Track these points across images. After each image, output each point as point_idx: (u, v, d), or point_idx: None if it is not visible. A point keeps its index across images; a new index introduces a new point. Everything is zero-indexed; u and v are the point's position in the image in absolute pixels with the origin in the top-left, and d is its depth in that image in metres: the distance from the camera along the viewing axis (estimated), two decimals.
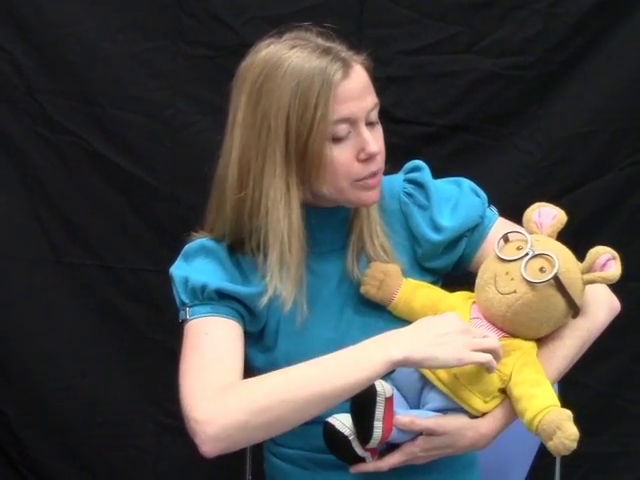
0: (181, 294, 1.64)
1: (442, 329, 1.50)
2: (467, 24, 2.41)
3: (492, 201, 1.75)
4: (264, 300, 1.60)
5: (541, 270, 1.54)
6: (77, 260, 2.48)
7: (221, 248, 1.65)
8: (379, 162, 1.61)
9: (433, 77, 2.43)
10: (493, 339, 1.53)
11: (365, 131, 1.58)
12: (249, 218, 1.61)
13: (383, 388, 1.52)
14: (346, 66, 1.57)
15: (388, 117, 2.35)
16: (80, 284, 2.49)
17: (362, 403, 1.52)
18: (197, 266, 1.64)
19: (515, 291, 1.55)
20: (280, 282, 1.60)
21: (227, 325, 1.61)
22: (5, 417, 2.51)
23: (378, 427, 1.51)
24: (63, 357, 2.50)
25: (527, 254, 1.55)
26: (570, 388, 2.22)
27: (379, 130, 1.63)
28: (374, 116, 1.61)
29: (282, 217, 1.57)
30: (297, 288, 1.61)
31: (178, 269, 1.66)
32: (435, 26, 2.41)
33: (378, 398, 1.51)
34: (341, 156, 1.57)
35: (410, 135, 2.43)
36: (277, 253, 1.59)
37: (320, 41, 1.61)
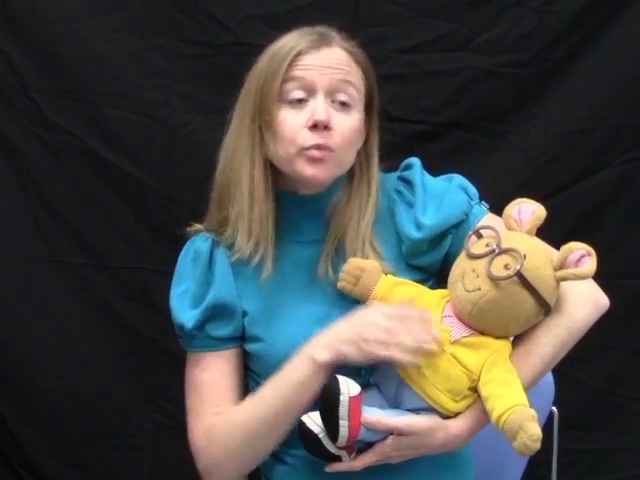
0: (174, 325, 1.71)
1: (370, 323, 1.53)
2: (462, 22, 2.41)
3: (488, 199, 1.74)
4: (234, 257, 1.66)
5: (506, 267, 1.52)
6: (73, 259, 2.47)
7: (206, 247, 1.69)
8: (331, 138, 1.61)
9: (428, 75, 2.43)
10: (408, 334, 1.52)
11: (319, 100, 1.61)
12: (227, 179, 1.67)
13: (347, 387, 1.53)
14: (319, 40, 1.63)
15: (383, 115, 2.36)
16: (76, 283, 2.48)
17: (327, 402, 1.52)
18: (182, 289, 1.69)
19: (480, 288, 1.53)
20: (240, 235, 1.65)
21: (218, 360, 1.67)
22: (1, 416, 2.51)
23: (344, 426, 1.52)
24: (60, 356, 2.50)
25: (494, 250, 1.53)
26: (567, 385, 2.22)
27: (349, 116, 1.64)
28: (344, 97, 1.63)
29: (246, 173, 1.63)
30: (260, 246, 1.65)
31: (170, 296, 1.71)
32: (430, 24, 2.41)
33: (341, 397, 1.51)
34: (291, 120, 1.61)
35: (405, 133, 2.43)
36: (238, 207, 1.65)
37: (322, 27, 1.68)
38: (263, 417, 1.58)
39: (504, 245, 1.54)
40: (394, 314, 1.53)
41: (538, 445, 1.48)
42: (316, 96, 1.61)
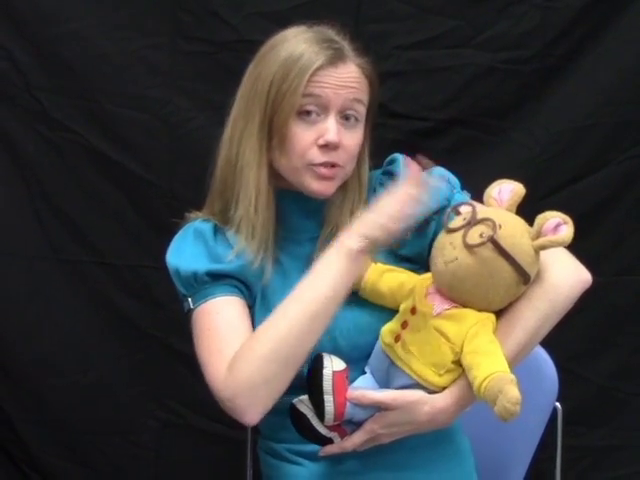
0: (179, 286, 1.68)
1: (386, 204, 1.56)
2: (465, 18, 2.41)
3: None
4: (231, 255, 1.65)
5: (480, 235, 1.55)
6: (76, 257, 2.48)
7: (208, 228, 1.70)
8: (339, 156, 1.65)
9: (431, 72, 2.43)
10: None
11: (331, 120, 1.64)
12: (232, 175, 1.68)
13: (331, 362, 1.56)
14: (336, 57, 1.64)
15: (386, 112, 2.37)
16: (79, 281, 2.49)
17: (312, 379, 1.55)
18: (186, 253, 1.68)
19: (457, 258, 1.55)
20: (245, 238, 1.66)
21: (231, 302, 1.64)
22: (5, 414, 2.51)
23: (329, 401, 1.54)
24: (63, 354, 2.50)
25: (469, 222, 1.56)
26: (571, 381, 2.23)
27: (355, 133, 1.68)
28: (353, 115, 1.66)
29: (253, 177, 1.64)
30: (262, 248, 1.66)
31: (170, 259, 1.70)
32: (433, 20, 2.41)
33: (324, 371, 1.54)
34: (302, 135, 1.63)
35: (408, 130, 2.43)
36: (244, 210, 1.66)
37: (331, 33, 1.69)
38: (297, 314, 1.54)
39: (479, 216, 1.57)
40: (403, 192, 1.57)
41: (518, 408, 1.47)
42: (328, 114, 1.64)
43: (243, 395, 1.54)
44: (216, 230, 1.70)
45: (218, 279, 1.64)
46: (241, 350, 1.56)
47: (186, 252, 1.68)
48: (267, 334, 1.55)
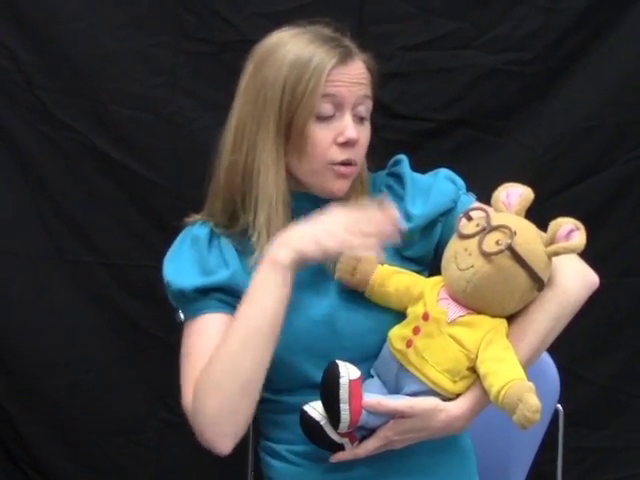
0: (170, 299, 1.70)
1: (328, 222, 1.56)
2: (468, 19, 2.41)
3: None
4: (251, 262, 1.65)
5: (497, 243, 1.54)
6: (79, 257, 2.47)
7: (205, 233, 1.70)
8: (356, 153, 1.67)
9: (434, 73, 2.43)
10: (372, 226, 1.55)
11: (348, 117, 1.65)
12: (242, 180, 1.67)
13: (347, 370, 1.55)
14: (346, 55, 1.65)
15: (389, 113, 2.37)
16: (82, 281, 2.49)
17: (328, 387, 1.54)
18: (179, 264, 1.68)
19: (473, 266, 1.55)
20: (267, 242, 1.64)
21: (216, 320, 1.64)
22: (7, 414, 2.51)
23: (345, 409, 1.53)
24: (65, 353, 2.50)
25: (484, 228, 1.56)
26: (573, 383, 2.22)
27: (366, 128, 1.70)
28: (363, 111, 1.68)
29: (271, 180, 1.64)
30: None
31: (165, 269, 1.70)
32: (436, 21, 2.41)
33: (341, 380, 1.53)
34: (321, 135, 1.64)
35: (411, 131, 2.43)
36: (265, 214, 1.65)
37: (330, 32, 1.70)
38: (244, 335, 1.55)
39: (494, 223, 1.56)
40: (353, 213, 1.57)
41: (538, 417, 1.48)
42: (344, 112, 1.65)
43: (208, 430, 1.57)
44: (212, 236, 1.70)
45: (207, 293, 1.64)
46: (200, 381, 1.58)
47: (180, 262, 1.68)
48: (219, 360, 1.56)
